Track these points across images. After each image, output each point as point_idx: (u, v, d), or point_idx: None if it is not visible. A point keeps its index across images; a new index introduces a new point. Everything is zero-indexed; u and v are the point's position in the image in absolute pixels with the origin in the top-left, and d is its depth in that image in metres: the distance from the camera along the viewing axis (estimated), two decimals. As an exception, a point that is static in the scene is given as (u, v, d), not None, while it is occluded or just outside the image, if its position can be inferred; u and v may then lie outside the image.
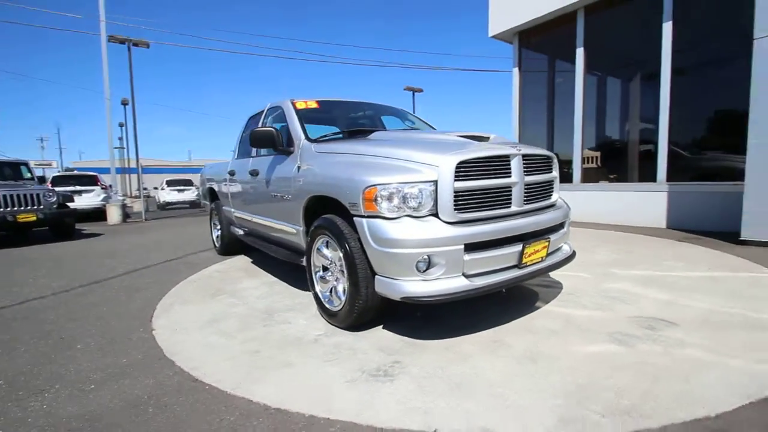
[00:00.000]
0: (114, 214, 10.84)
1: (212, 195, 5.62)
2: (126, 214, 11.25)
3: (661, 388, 1.77)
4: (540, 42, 7.45)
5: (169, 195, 18.98)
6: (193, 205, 19.32)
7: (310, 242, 2.81)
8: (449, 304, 2.73)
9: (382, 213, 2.19)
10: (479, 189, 2.29)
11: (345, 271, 2.43)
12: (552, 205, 2.80)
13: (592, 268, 3.81)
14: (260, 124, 3.95)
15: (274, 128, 3.17)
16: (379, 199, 2.19)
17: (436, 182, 2.18)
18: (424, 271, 2.14)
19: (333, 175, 2.52)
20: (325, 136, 3.17)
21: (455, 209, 2.20)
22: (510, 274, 2.35)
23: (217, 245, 5.53)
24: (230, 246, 5.22)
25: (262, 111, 4.12)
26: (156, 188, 21.45)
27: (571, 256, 2.81)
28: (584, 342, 2.26)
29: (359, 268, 2.33)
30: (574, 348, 2.19)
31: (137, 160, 16.87)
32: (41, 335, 2.77)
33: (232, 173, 4.45)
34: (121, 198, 11.60)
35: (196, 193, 20.02)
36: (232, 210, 4.62)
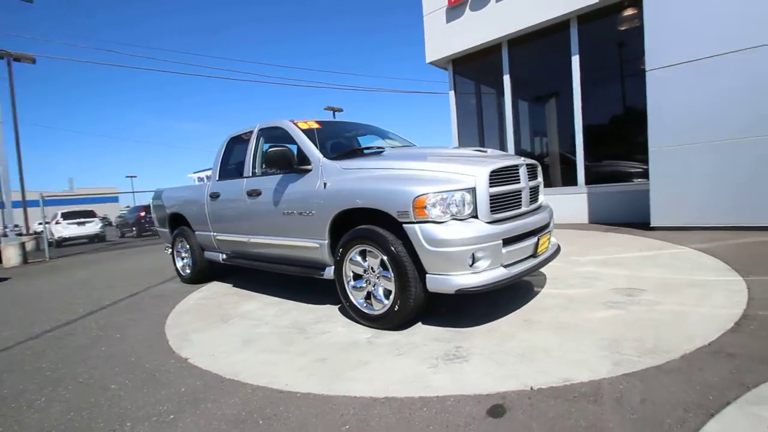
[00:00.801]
0: (12, 255, 9.17)
1: (174, 221, 5.30)
2: (26, 254, 9.58)
3: (664, 332, 2.35)
4: (471, 68, 8.46)
5: (66, 229, 16.50)
6: (95, 239, 17.04)
7: (342, 253, 2.97)
8: (467, 297, 3.11)
9: (432, 218, 2.50)
10: (503, 193, 2.74)
11: (393, 275, 2.66)
12: (541, 206, 3.38)
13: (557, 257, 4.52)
14: (252, 145, 3.97)
15: (288, 148, 3.28)
16: (428, 206, 2.49)
17: (474, 189, 2.56)
18: (472, 265, 2.49)
19: (375, 188, 2.75)
20: (339, 155, 3.36)
21: (490, 211, 2.61)
22: (531, 262, 2.82)
23: (183, 274, 5.18)
24: (201, 273, 4.96)
25: (249, 132, 4.13)
26: (47, 222, 18.43)
27: (559, 248, 3.41)
28: (590, 311, 2.80)
29: (408, 270, 2.59)
30: (586, 316, 2.72)
31: (22, 191, 14.50)
32: (51, 383, 2.47)
33: (215, 195, 4.31)
34: (18, 236, 9.83)
35: (101, 225, 17.77)
36: (213, 234, 4.45)
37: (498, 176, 2.71)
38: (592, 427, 1.57)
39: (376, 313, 2.84)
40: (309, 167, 3.26)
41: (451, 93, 8.57)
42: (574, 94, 6.92)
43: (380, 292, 2.84)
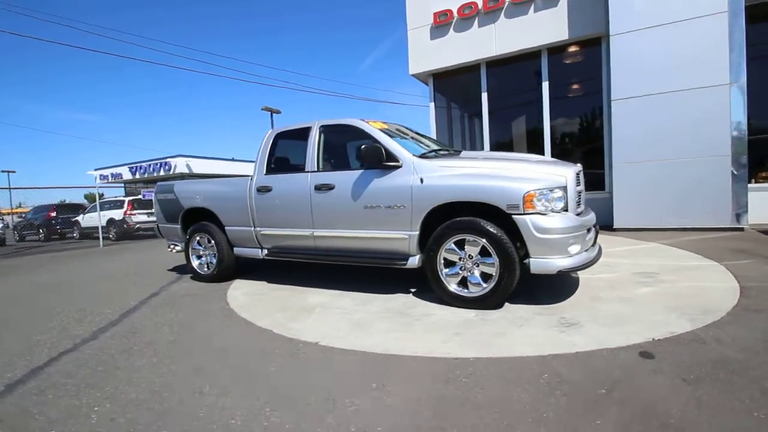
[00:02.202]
0: None
1: (190, 218, 5.01)
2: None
3: (700, 300, 3.13)
4: (451, 83, 9.23)
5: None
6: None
7: (437, 243, 3.30)
8: (527, 283, 3.65)
9: (538, 210, 2.99)
10: (578, 192, 3.35)
11: (497, 260, 3.08)
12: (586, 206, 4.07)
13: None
14: (314, 142, 4.06)
15: (381, 146, 3.51)
16: (535, 200, 2.98)
17: (565, 187, 3.12)
18: (568, 249, 3.02)
19: (482, 184, 3.14)
20: (422, 154, 3.68)
21: (575, 205, 3.19)
22: (595, 250, 3.46)
23: (201, 272, 4.93)
24: (227, 271, 4.79)
25: (305, 128, 4.22)
26: None
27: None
28: (633, 288, 3.53)
29: (513, 255, 3.04)
30: (635, 292, 3.43)
31: None
32: (149, 395, 2.39)
33: (264, 189, 4.26)
34: None
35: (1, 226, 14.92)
36: (256, 229, 4.38)
37: (576, 177, 3.31)
38: (720, 358, 2.17)
39: (473, 295, 3.22)
40: (398, 164, 3.52)
41: (431, 105, 9.24)
42: (543, 113, 8.04)
43: (477, 276, 3.23)
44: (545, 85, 7.97)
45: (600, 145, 7.64)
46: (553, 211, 3.04)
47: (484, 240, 3.13)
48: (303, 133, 4.26)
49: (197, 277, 4.99)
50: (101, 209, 12.90)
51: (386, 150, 3.55)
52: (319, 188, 3.90)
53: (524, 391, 1.96)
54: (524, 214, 2.99)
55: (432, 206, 3.32)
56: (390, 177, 3.54)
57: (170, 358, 2.63)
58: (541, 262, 3.02)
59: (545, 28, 7.61)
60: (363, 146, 3.50)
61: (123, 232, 13.44)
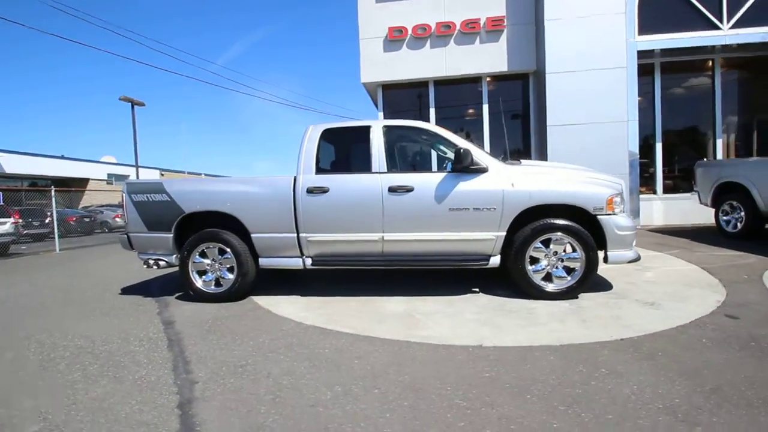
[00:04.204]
0: None
1: (187, 224, 4.10)
2: None
3: (694, 277, 4.17)
4: (400, 95, 9.60)
5: None
6: None
7: (525, 243, 3.58)
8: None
9: (615, 212, 3.56)
10: (619, 198, 4.08)
11: (582, 255, 3.53)
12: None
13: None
14: (377, 142, 3.87)
15: (471, 148, 3.60)
16: (614, 204, 3.55)
17: (622, 192, 3.78)
18: (632, 243, 3.68)
19: (573, 190, 3.55)
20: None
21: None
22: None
23: (207, 291, 4.05)
24: (249, 286, 4.09)
25: (361, 127, 4.01)
26: None
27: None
28: (638, 275, 4.44)
29: (596, 251, 3.54)
30: (643, 277, 4.32)
31: None
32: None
33: (317, 190, 3.81)
34: None
35: None
36: (301, 235, 3.87)
37: (618, 186, 4.03)
38: (774, 314, 3.03)
39: (560, 287, 3.60)
40: (484, 167, 3.67)
41: (380, 114, 9.45)
42: (484, 131, 9.13)
43: (562, 270, 3.62)
44: (485, 107, 9.09)
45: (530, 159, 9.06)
46: (621, 212, 3.66)
47: (570, 238, 3.54)
48: (358, 132, 4.03)
49: (199, 297, 4.06)
50: None
51: (473, 154, 3.67)
52: (394, 190, 3.73)
53: (715, 350, 2.39)
54: (607, 215, 3.53)
55: (523, 209, 3.58)
56: (478, 180, 3.66)
57: None
58: (617, 255, 3.59)
59: (487, 58, 8.72)
60: (462, 150, 3.54)
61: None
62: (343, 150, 4.09)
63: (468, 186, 3.66)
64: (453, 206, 3.66)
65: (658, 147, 8.56)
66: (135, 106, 23.73)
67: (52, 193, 10.66)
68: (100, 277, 5.94)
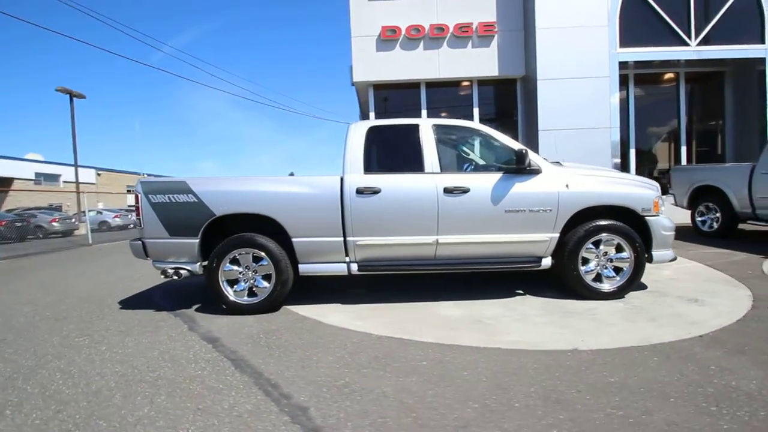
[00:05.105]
0: None
1: (214, 228, 3.69)
2: None
3: (708, 274, 4.48)
4: (392, 96, 9.46)
5: None
6: None
7: (578, 244, 3.63)
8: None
9: (659, 213, 3.72)
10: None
11: (631, 255, 3.64)
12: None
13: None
14: (429, 140, 3.75)
15: (527, 150, 3.57)
16: (659, 205, 3.70)
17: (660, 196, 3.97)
18: (672, 243, 3.86)
19: (624, 191, 3.66)
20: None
21: (661, 210, 4.09)
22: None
23: (241, 301, 3.67)
24: (283, 296, 3.75)
25: (410, 125, 3.88)
26: None
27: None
28: (657, 271, 4.69)
29: (644, 250, 3.67)
30: (663, 274, 4.58)
31: None
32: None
33: (368, 191, 3.59)
34: None
35: None
36: (350, 239, 3.63)
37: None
38: (807, 306, 3.32)
39: (612, 287, 3.68)
40: (538, 168, 3.67)
41: (372, 115, 9.26)
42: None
43: (611, 270, 3.71)
44: (476, 110, 9.24)
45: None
46: (662, 214, 3.83)
47: (620, 238, 3.64)
48: (406, 131, 3.88)
49: (232, 309, 3.66)
50: None
51: (530, 156, 3.65)
52: (449, 191, 3.60)
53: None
54: (653, 216, 3.67)
55: (577, 210, 3.62)
56: (534, 182, 3.65)
57: None
58: (661, 254, 3.75)
59: (479, 63, 8.88)
60: (522, 151, 3.50)
61: None
62: (390, 149, 3.89)
63: (524, 187, 3.64)
64: (509, 208, 3.62)
65: (632, 152, 9.22)
66: (74, 99, 21.57)
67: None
68: (78, 290, 5.19)
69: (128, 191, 38.93)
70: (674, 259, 3.85)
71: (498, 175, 3.68)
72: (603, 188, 3.71)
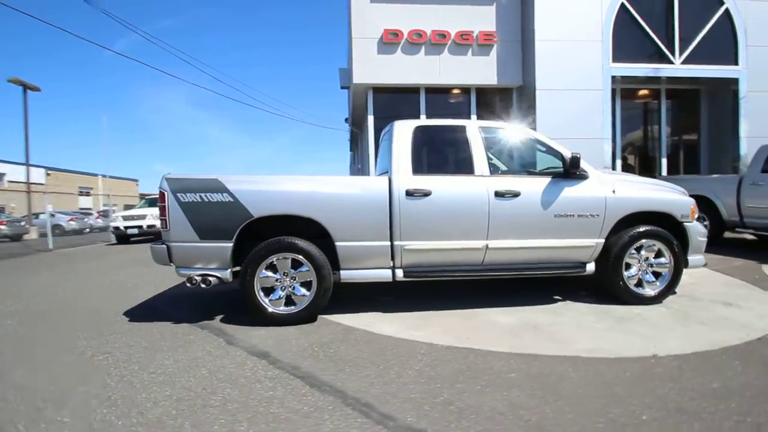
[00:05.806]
0: None
1: (249, 231, 3.40)
2: None
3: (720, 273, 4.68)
4: (389, 99, 9.33)
5: None
6: None
7: (623, 249, 3.65)
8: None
9: (695, 219, 3.82)
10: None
11: (671, 261, 3.71)
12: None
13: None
14: (477, 142, 3.66)
15: (579, 155, 3.56)
16: (695, 211, 3.81)
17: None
18: (703, 250, 3.97)
19: (665, 198, 3.73)
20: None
21: (690, 217, 4.21)
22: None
23: (278, 311, 3.38)
24: (323, 305, 3.50)
25: (456, 126, 3.81)
26: None
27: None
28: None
29: (682, 255, 3.75)
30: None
31: None
32: None
33: (417, 193, 3.43)
34: None
35: None
36: (398, 243, 3.44)
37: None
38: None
39: (654, 292, 3.72)
40: (586, 173, 3.67)
41: (370, 117, 9.10)
42: (471, 142, 9.34)
43: (651, 276, 3.76)
44: (474, 118, 9.31)
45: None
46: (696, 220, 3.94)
47: (661, 244, 3.70)
48: (453, 132, 3.80)
49: (269, 320, 3.36)
50: None
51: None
52: (501, 195, 3.52)
53: None
54: (689, 222, 3.77)
55: (622, 215, 3.65)
56: (581, 187, 3.64)
57: None
58: (696, 259, 3.85)
59: (478, 71, 8.98)
60: (577, 155, 3.49)
61: None
62: (438, 150, 3.77)
63: (573, 192, 3.62)
64: (559, 212, 3.58)
65: (618, 163, 9.64)
66: (28, 91, 19.79)
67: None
68: (65, 299, 4.62)
69: (80, 193, 36.25)
70: (705, 264, 3.97)
71: (547, 179, 3.64)
72: (646, 194, 3.77)
